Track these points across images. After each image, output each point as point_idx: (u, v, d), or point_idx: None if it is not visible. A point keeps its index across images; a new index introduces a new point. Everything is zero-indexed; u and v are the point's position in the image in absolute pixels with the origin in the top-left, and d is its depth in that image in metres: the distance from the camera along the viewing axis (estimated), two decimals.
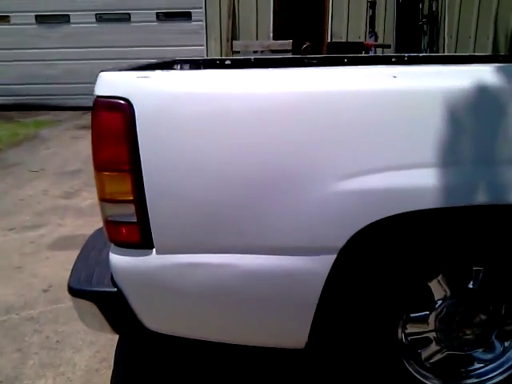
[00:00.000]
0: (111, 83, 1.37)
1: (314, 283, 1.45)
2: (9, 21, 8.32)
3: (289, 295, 1.47)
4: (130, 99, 1.33)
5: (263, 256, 1.44)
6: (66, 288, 1.55)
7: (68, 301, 2.33)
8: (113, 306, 1.52)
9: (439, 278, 1.55)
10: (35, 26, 8.38)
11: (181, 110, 1.35)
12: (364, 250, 1.49)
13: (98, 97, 1.36)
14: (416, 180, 1.36)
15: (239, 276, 1.45)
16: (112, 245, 1.49)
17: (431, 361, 1.65)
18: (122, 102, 1.33)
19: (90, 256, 1.73)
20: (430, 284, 1.56)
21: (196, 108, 1.35)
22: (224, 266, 1.45)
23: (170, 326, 1.59)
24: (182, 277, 1.46)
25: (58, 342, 2.11)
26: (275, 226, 1.40)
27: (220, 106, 1.35)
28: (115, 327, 1.57)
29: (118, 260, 1.47)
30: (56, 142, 6.23)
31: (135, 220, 1.41)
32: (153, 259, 1.45)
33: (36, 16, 8.28)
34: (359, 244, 1.45)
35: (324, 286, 1.45)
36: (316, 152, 1.35)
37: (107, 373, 1.91)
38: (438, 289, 1.57)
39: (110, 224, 1.44)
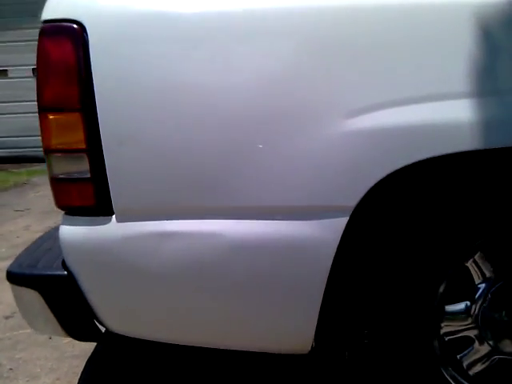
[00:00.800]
0: (60, 3, 1.11)
1: (322, 255, 1.12)
2: (6, 74, 8.36)
3: (289, 272, 1.13)
4: (83, 22, 1.07)
5: (256, 222, 1.12)
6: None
7: None
8: (63, 296, 1.18)
9: (479, 254, 1.21)
10: (31, 79, 8.42)
11: (146, 34, 1.08)
12: (383, 211, 1.17)
13: (45, 22, 1.10)
14: (447, 114, 1.06)
15: (226, 249, 1.12)
16: (63, 214, 1.17)
17: (476, 368, 1.27)
18: (72, 25, 1.07)
19: (43, 245, 1.40)
20: (467, 264, 1.22)
21: (166, 32, 1.08)
22: (206, 235, 1.12)
23: (136, 326, 1.24)
24: (150, 252, 1.13)
25: (10, 369, 1.74)
26: (270, 182, 1.09)
27: (197, 27, 1.08)
28: (66, 327, 1.21)
29: (69, 232, 1.15)
30: (46, 186, 5.89)
31: (88, 176, 1.10)
32: (112, 229, 1.13)
33: (33, 69, 8.32)
34: (376, 202, 1.13)
35: (334, 259, 1.11)
36: (317, 81, 1.07)
37: None
38: (478, 270, 1.23)
39: (58, 183, 1.13)
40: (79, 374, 1.68)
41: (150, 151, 1.09)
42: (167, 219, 1.12)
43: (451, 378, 1.25)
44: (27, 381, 1.66)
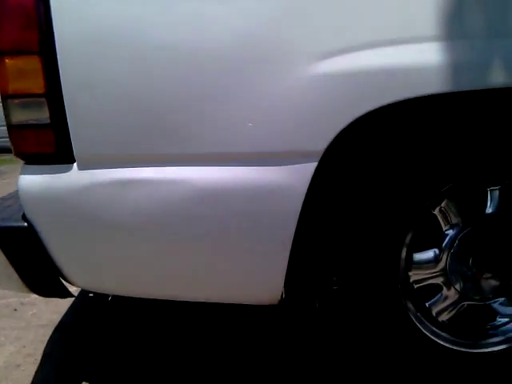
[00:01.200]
0: None
1: (290, 201, 1.10)
2: None
3: (256, 220, 1.11)
4: None
5: (223, 168, 1.09)
6: None
7: None
8: (23, 250, 1.14)
9: (446, 201, 1.22)
10: None
11: None
12: (352, 156, 1.16)
13: None
14: (412, 58, 1.05)
15: (189, 196, 1.09)
16: (22, 164, 1.13)
17: (445, 315, 1.29)
18: None
19: (2, 204, 1.35)
20: (435, 212, 1.23)
21: None
22: (169, 182, 1.09)
23: (101, 280, 1.20)
24: (112, 200, 1.09)
25: None
26: (236, 127, 1.07)
27: None
28: (29, 282, 1.17)
29: (28, 181, 1.10)
30: (13, 174, 5.79)
31: (48, 122, 1.06)
32: (73, 177, 1.09)
33: None
34: (345, 147, 1.12)
35: (302, 207, 1.10)
36: (284, 24, 1.04)
37: (30, 368, 1.49)
38: (446, 216, 1.23)
39: (17, 131, 1.09)
40: (45, 343, 1.63)
41: (111, 97, 1.05)
42: (129, 166, 1.09)
43: (421, 324, 1.26)
44: None
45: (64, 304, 1.93)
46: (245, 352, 1.53)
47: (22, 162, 1.13)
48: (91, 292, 1.91)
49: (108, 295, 1.94)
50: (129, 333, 1.68)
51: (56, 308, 1.90)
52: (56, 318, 1.81)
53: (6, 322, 1.79)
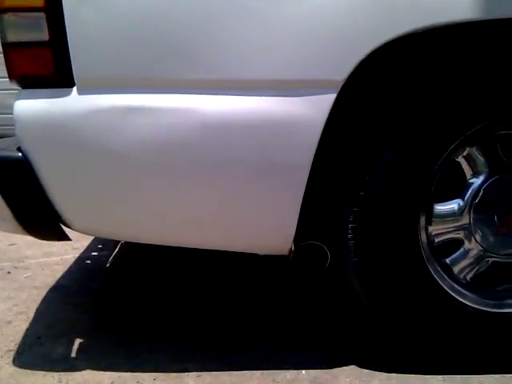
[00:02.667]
0: None
1: (306, 135, 1.02)
2: None
3: (270, 154, 1.03)
4: None
5: (234, 97, 1.01)
6: None
7: None
8: (16, 184, 1.05)
9: (472, 148, 1.13)
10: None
11: None
12: (371, 90, 1.08)
13: None
14: None
15: (199, 126, 1.01)
16: (19, 90, 1.05)
17: (468, 272, 1.20)
18: None
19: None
20: (459, 159, 1.15)
21: None
22: (177, 110, 1.02)
23: (100, 220, 1.12)
24: (115, 129, 1.01)
25: None
26: (252, 53, 0.99)
27: None
28: (22, 220, 1.09)
29: (24, 107, 1.02)
30: None
31: (47, 39, 0.98)
32: (73, 102, 1.01)
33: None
34: (366, 79, 1.04)
35: (319, 142, 1.02)
36: None
37: (22, 324, 1.41)
38: (471, 164, 1.15)
39: (12, 50, 1.00)
40: (38, 302, 1.55)
41: (116, 12, 0.97)
42: (135, 92, 1.01)
43: (442, 281, 1.17)
44: None
45: (59, 269, 1.85)
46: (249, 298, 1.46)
47: None
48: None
49: (107, 261, 1.87)
50: (125, 294, 1.60)
51: (51, 272, 1.82)
52: (51, 281, 1.73)
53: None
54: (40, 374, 1.17)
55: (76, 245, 2.13)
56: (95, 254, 2.03)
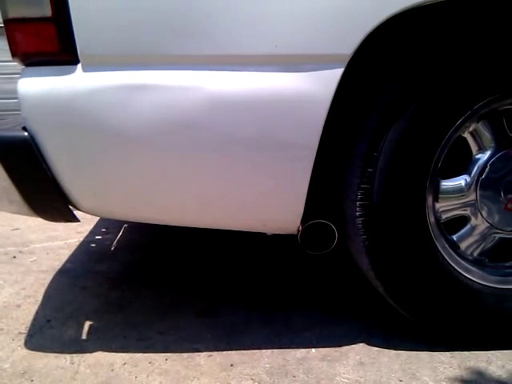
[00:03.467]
0: None
1: (314, 110, 1.01)
2: None
3: (277, 131, 1.02)
4: None
5: (240, 73, 0.99)
6: None
7: None
8: (23, 164, 1.04)
9: (478, 123, 1.12)
10: None
11: None
12: (379, 64, 1.06)
13: None
14: None
15: (205, 103, 1.00)
16: (22, 68, 1.03)
17: (475, 249, 1.20)
18: None
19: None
20: (465, 134, 1.13)
21: None
22: (183, 87, 1.00)
23: (107, 199, 1.11)
24: (120, 107, 1.00)
25: None
26: (258, 27, 0.97)
27: None
28: (30, 201, 1.08)
29: (28, 85, 1.00)
30: None
31: (50, 14, 0.96)
32: (77, 80, 0.99)
33: None
34: (373, 53, 1.03)
35: (326, 119, 1.00)
36: None
37: (31, 308, 1.40)
38: (477, 140, 1.14)
39: (15, 27, 0.98)
40: (46, 286, 1.54)
41: None
42: (140, 69, 0.99)
43: (449, 257, 1.17)
44: None
45: (64, 253, 1.85)
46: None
47: None
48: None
49: (111, 244, 1.87)
50: (131, 277, 1.60)
51: (57, 256, 1.81)
52: (57, 264, 1.72)
53: (4, 268, 1.70)
54: (52, 355, 1.16)
55: (79, 229, 2.13)
56: (99, 237, 2.02)
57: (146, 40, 0.97)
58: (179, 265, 1.69)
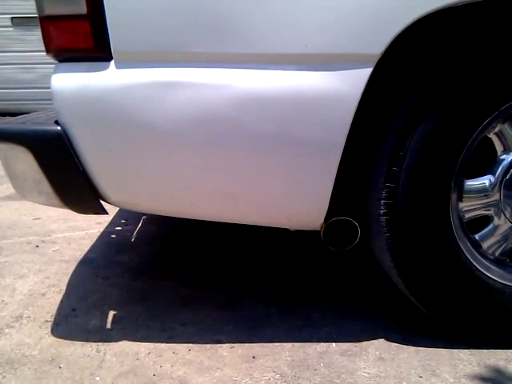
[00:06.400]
0: None
1: (342, 110, 1.02)
2: None
3: (305, 129, 1.03)
4: None
5: (270, 71, 1.01)
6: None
7: (17, 237, 1.87)
8: (55, 157, 1.06)
9: (504, 124, 1.13)
10: (11, 29, 8.02)
11: None
12: (408, 64, 1.07)
13: None
14: None
15: (235, 101, 1.01)
16: (56, 64, 1.05)
17: (497, 249, 1.21)
18: None
19: (32, 115, 1.27)
20: (491, 135, 1.14)
21: None
22: (214, 85, 1.01)
23: (137, 193, 1.13)
24: (152, 103, 1.02)
25: None
26: (288, 26, 0.98)
27: None
28: (61, 193, 1.10)
29: (62, 80, 1.03)
30: None
31: (85, 12, 0.97)
32: (111, 76, 1.01)
33: (12, 18, 7.92)
34: (402, 53, 1.03)
35: (354, 117, 1.02)
36: None
37: (55, 297, 1.44)
38: (502, 140, 1.15)
39: (50, 23, 1.00)
40: (69, 275, 1.58)
41: None
42: (172, 66, 1.01)
43: (471, 256, 1.17)
44: (14, 279, 1.56)
45: (86, 243, 1.88)
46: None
47: None
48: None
49: (131, 235, 1.90)
50: (152, 268, 1.63)
51: (78, 246, 1.84)
52: (79, 254, 1.76)
53: (27, 257, 1.74)
54: (78, 343, 1.20)
55: (99, 219, 2.16)
56: (119, 228, 2.05)
57: (178, 38, 0.98)
58: (199, 257, 1.72)
